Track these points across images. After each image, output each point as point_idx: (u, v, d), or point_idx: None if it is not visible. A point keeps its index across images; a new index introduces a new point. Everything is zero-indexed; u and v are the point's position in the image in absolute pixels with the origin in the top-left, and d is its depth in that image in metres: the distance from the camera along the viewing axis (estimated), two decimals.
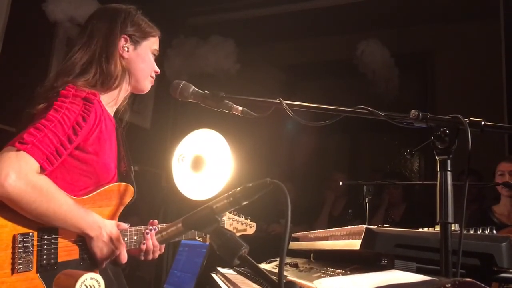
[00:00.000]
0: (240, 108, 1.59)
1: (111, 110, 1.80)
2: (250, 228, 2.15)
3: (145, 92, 1.91)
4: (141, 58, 1.82)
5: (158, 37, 1.89)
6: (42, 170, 1.48)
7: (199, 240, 1.94)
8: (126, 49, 1.78)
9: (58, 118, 1.52)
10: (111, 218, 1.72)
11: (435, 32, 5.52)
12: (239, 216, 2.11)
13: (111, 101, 1.77)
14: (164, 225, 1.82)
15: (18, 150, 1.43)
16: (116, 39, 1.75)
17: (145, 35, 1.83)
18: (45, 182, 1.49)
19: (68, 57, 1.73)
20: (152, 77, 1.88)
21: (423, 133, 1.34)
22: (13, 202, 1.42)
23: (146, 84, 1.87)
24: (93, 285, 1.12)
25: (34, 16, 4.18)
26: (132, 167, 1.86)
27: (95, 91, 1.65)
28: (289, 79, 6.11)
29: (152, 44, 1.86)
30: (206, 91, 1.64)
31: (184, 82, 1.66)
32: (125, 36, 1.78)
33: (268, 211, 4.78)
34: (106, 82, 1.71)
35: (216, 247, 1.01)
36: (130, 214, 1.85)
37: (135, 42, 1.80)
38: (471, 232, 1.43)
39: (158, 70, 1.90)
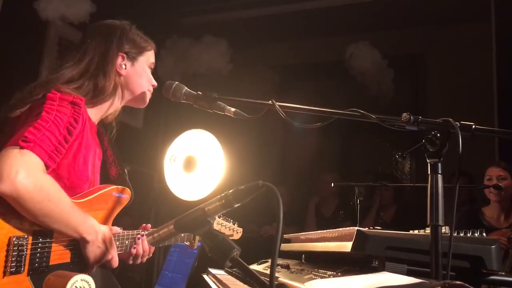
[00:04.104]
0: (233, 109, 1.59)
1: (95, 118, 1.79)
2: (237, 233, 2.16)
3: (143, 107, 1.90)
4: (139, 74, 1.82)
5: (153, 50, 1.89)
6: (46, 167, 1.47)
7: (187, 244, 1.95)
8: (123, 66, 1.78)
9: (52, 119, 1.51)
10: (106, 221, 1.72)
11: (427, 35, 5.56)
12: (227, 221, 2.11)
13: (99, 111, 1.78)
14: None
15: (22, 148, 1.41)
16: (113, 57, 1.75)
17: (141, 51, 1.83)
18: (52, 182, 1.48)
19: (56, 71, 1.71)
20: (149, 90, 1.87)
21: (414, 135, 1.35)
22: (20, 200, 1.39)
23: (145, 98, 1.86)
24: (84, 287, 1.11)
25: (26, 15, 4.15)
26: (125, 170, 1.85)
27: (81, 97, 1.64)
28: (282, 80, 6.12)
29: (148, 58, 1.86)
30: (198, 92, 1.63)
31: (177, 83, 1.65)
32: (122, 54, 1.77)
33: (260, 214, 4.78)
34: (98, 96, 1.71)
35: (208, 249, 1.00)
36: (122, 215, 1.84)
37: (132, 59, 1.80)
38: (461, 234, 1.44)
39: (155, 83, 1.89)
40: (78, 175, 1.64)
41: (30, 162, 1.41)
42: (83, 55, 1.74)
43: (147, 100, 1.88)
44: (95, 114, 1.76)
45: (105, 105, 1.77)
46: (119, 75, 1.77)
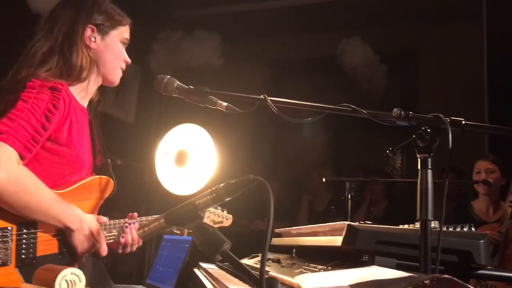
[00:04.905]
0: (225, 103, 1.59)
1: (83, 102, 1.76)
2: (226, 220, 2.15)
3: (115, 85, 1.84)
4: (110, 49, 1.76)
5: (128, 26, 1.83)
6: (21, 158, 1.46)
7: (177, 233, 1.95)
8: (93, 39, 1.72)
9: (28, 108, 1.49)
10: (91, 211, 1.71)
11: (419, 31, 5.58)
12: (216, 208, 2.11)
13: (80, 91, 1.73)
14: (144, 218, 1.82)
15: None
16: (79, 28, 1.69)
17: (114, 24, 1.77)
18: (27, 173, 1.46)
19: (29, 47, 1.68)
20: (121, 68, 1.81)
21: (406, 131, 1.36)
22: None
23: (116, 75, 1.80)
24: (74, 280, 1.11)
25: (16, 7, 4.10)
26: (108, 160, 1.83)
27: (62, 81, 1.61)
28: (275, 75, 6.11)
29: (121, 33, 1.79)
30: (190, 86, 1.63)
31: (168, 76, 1.65)
32: (92, 26, 1.71)
33: (251, 208, 4.79)
34: (72, 73, 1.66)
35: (198, 243, 1.01)
36: (113, 208, 1.84)
37: (103, 32, 1.74)
38: (450, 229, 1.45)
39: (128, 60, 1.83)
40: (77, 160, 1.63)
41: (2, 154, 1.40)
42: (52, 24, 1.70)
43: (118, 79, 1.82)
44: (77, 92, 1.72)
45: (86, 82, 1.73)
46: (89, 48, 1.71)
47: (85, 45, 1.70)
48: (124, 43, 1.82)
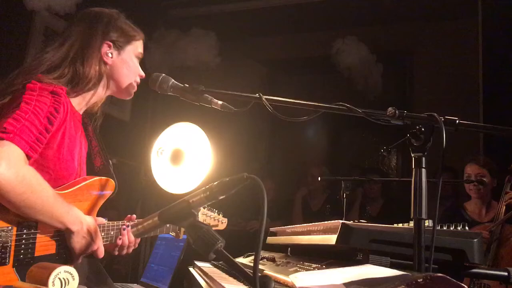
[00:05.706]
0: (220, 102, 1.59)
1: (79, 109, 1.77)
2: (222, 223, 2.16)
3: (129, 98, 1.87)
4: (126, 64, 1.79)
5: (142, 40, 1.86)
6: (28, 158, 1.46)
7: (172, 235, 1.95)
8: (110, 55, 1.75)
9: (31, 110, 1.49)
10: (90, 212, 1.71)
11: (415, 31, 5.59)
12: (211, 211, 2.11)
13: (81, 101, 1.75)
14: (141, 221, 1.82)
15: (1, 139, 1.40)
16: (95, 43, 1.72)
17: (129, 40, 1.80)
18: (34, 174, 1.46)
19: (37, 57, 1.69)
20: (136, 82, 1.85)
21: (402, 130, 1.36)
22: (1, 191, 1.38)
23: (131, 90, 1.84)
24: (67, 278, 1.11)
25: (11, 4, 4.08)
26: (110, 161, 1.84)
27: (62, 86, 1.62)
28: (270, 74, 6.11)
29: (136, 48, 1.83)
30: (185, 85, 1.63)
31: (163, 75, 1.65)
32: (108, 42, 1.74)
33: (247, 208, 4.79)
34: (79, 84, 1.68)
35: (192, 241, 1.00)
36: (108, 208, 1.84)
37: (119, 48, 1.77)
38: (444, 228, 1.46)
39: (143, 74, 1.86)
40: (64, 166, 1.63)
41: (10, 153, 1.39)
42: (64, 39, 1.71)
43: (132, 92, 1.85)
44: (78, 103, 1.74)
45: (89, 94, 1.75)
46: (105, 63, 1.75)
47: (101, 61, 1.73)
48: (138, 58, 1.85)
